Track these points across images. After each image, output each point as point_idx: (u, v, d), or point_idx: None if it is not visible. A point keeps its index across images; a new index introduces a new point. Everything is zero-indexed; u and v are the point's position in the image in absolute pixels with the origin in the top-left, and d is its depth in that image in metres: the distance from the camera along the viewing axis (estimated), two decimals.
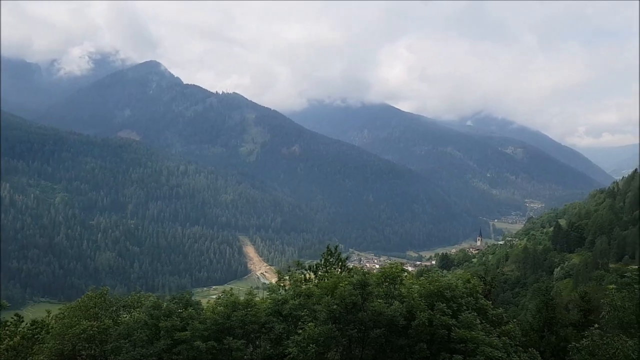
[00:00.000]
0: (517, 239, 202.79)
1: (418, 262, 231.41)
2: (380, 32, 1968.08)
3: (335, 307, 19.08)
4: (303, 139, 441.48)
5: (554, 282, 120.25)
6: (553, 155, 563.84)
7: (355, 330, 18.64)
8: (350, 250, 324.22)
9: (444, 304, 18.93)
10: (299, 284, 23.60)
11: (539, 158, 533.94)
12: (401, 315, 18.42)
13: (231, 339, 19.92)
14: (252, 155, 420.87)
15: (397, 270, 20.93)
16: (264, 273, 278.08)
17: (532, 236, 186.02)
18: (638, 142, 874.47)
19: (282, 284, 25.70)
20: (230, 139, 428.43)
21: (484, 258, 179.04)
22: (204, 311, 23.18)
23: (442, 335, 18.04)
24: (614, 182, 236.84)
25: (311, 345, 17.65)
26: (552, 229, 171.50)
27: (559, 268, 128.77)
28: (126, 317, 24.82)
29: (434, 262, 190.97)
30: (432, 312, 18.44)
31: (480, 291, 21.53)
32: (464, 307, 19.45)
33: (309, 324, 18.82)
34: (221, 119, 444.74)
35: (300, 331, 18.77)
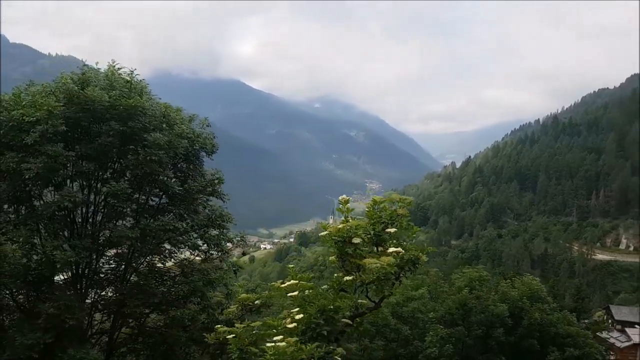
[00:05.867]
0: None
1: (276, 240, 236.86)
2: (231, 5, 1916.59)
3: (455, 310, 21.13)
4: None
5: None
6: (390, 139, 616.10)
7: (480, 330, 20.51)
8: None
9: (546, 305, 21.66)
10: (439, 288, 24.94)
11: (378, 142, 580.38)
12: (507, 316, 20.76)
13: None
14: None
15: (485, 275, 23.31)
16: None
17: None
18: (460, 130, 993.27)
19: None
20: None
21: None
22: None
23: (549, 332, 20.35)
24: (444, 167, 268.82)
25: (448, 345, 19.26)
26: None
27: None
28: None
29: (291, 240, 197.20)
30: (540, 312, 20.94)
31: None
32: (554, 305, 22.60)
33: (438, 326, 20.36)
34: None
35: (431, 333, 20.16)
